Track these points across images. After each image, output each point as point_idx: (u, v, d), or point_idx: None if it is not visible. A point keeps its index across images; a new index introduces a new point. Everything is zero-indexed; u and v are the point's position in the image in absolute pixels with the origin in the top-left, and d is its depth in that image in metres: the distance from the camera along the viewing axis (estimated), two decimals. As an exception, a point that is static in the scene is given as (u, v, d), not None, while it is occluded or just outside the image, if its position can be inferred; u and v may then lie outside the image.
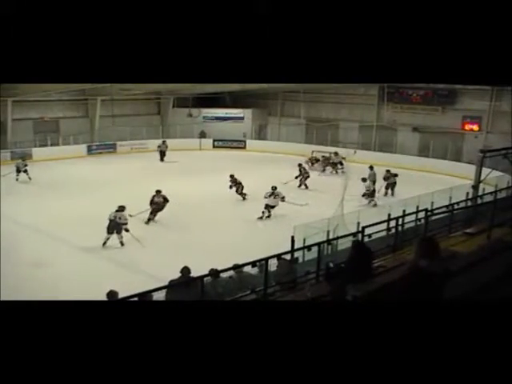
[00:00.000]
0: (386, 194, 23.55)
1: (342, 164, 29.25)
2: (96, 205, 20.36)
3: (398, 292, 4.25)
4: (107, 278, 12.46)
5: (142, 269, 13.65)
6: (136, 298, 6.88)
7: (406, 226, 12.20)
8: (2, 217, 17.11)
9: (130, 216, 17.29)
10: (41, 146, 32.60)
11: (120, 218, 16.00)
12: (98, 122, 35.60)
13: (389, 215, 12.90)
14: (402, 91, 32.87)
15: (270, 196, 19.52)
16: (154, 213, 18.73)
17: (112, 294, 8.94)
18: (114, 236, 15.94)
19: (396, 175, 24.08)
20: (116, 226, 15.99)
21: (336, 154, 30.33)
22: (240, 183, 22.37)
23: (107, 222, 15.97)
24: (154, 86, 31.91)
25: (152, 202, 18.86)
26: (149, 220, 18.60)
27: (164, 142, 33.76)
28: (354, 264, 4.97)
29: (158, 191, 19.11)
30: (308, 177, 25.15)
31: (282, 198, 19.70)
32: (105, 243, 15.85)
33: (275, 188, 19.86)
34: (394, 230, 11.75)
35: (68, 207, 19.94)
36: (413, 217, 12.65)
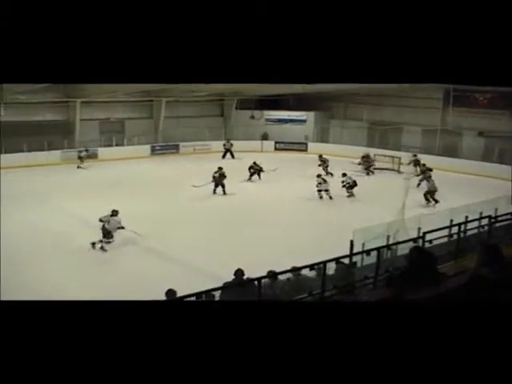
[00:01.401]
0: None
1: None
2: (158, 204, 20.85)
3: (457, 299, 4.15)
4: (167, 277, 12.64)
5: (202, 268, 13.79)
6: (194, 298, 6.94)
7: (469, 233, 11.92)
8: (65, 213, 17.71)
9: (195, 187, 22.44)
10: (106, 145, 33.36)
11: (109, 223, 15.77)
12: (162, 123, 36.24)
13: (451, 221, 12.63)
14: (469, 94, 32.01)
15: (320, 184, 23.05)
16: (215, 186, 23.43)
17: (171, 292, 9.07)
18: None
19: (431, 169, 24.98)
20: (104, 229, 15.77)
21: (415, 155, 30.06)
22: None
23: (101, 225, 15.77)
24: (217, 87, 32.24)
25: (213, 177, 23.52)
26: (214, 192, 23.39)
27: (228, 140, 35.03)
28: (415, 270, 4.88)
29: (220, 168, 23.84)
30: (327, 166, 28.50)
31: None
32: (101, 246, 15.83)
33: (319, 175, 23.84)
34: (455, 237, 11.49)
35: (130, 206, 20.34)
36: (475, 223, 12.34)
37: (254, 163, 27.32)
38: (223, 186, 23.49)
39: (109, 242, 15.84)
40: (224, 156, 33.99)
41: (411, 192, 20.74)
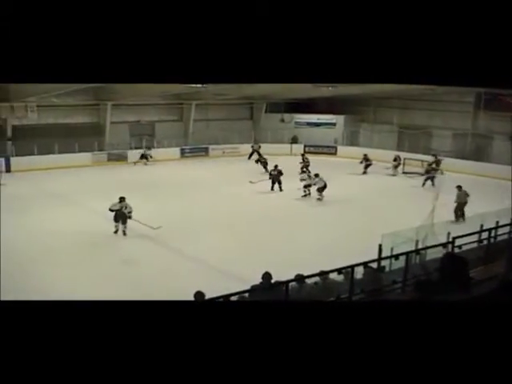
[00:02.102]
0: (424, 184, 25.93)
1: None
2: (187, 206, 20.98)
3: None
4: (194, 278, 12.75)
5: (230, 269, 13.83)
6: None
7: (499, 238, 11.77)
8: (98, 214, 17.96)
9: (251, 183, 24.94)
10: (136, 148, 33.64)
11: (126, 208, 17.17)
12: (192, 126, 36.47)
13: (481, 226, 12.47)
14: (501, 98, 31.55)
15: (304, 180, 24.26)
16: (272, 183, 24.78)
17: (199, 294, 9.11)
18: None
19: (436, 169, 26.60)
20: (122, 215, 17.14)
21: (436, 156, 29.85)
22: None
23: (113, 213, 17.15)
24: (246, 91, 32.44)
25: (270, 174, 25.36)
26: (272, 188, 24.77)
27: (256, 142, 36.08)
28: (446, 276, 4.85)
29: (276, 166, 25.22)
30: (308, 165, 28.93)
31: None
32: (116, 231, 17.26)
33: (304, 171, 26.10)
34: (485, 242, 11.35)
35: (158, 208, 20.54)
36: (506, 229, 12.18)
37: (260, 155, 30.90)
38: (280, 183, 24.81)
39: (126, 227, 17.21)
40: (250, 157, 34.44)
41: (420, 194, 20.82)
